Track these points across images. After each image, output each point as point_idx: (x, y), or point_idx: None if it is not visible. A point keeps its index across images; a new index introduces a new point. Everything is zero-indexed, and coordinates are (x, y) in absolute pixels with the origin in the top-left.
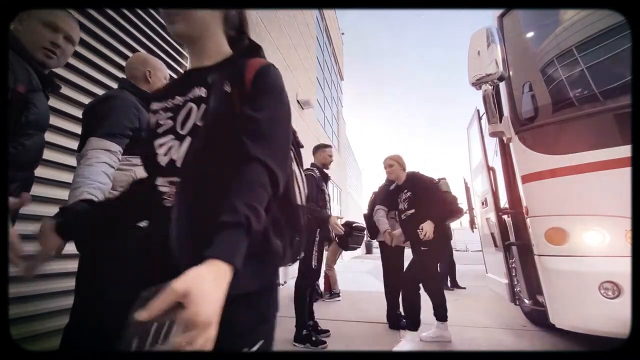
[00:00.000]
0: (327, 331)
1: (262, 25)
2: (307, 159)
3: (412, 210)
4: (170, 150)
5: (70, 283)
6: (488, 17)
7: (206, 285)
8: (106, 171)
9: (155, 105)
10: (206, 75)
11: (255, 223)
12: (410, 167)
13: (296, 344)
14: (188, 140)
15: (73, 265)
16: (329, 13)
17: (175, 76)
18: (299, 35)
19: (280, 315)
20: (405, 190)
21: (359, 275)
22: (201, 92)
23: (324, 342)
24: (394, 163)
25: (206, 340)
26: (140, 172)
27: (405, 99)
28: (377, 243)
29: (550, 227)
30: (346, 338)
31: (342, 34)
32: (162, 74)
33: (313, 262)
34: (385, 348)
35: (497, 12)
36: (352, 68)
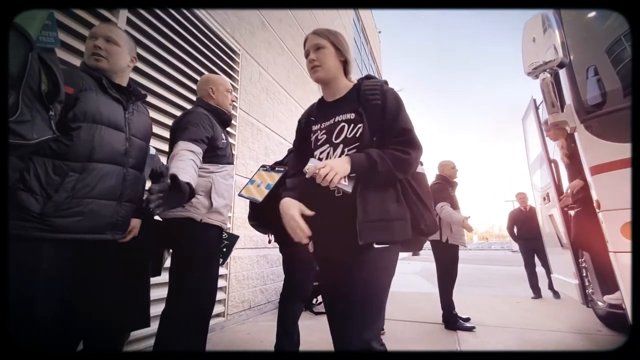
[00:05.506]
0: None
1: (302, 32)
2: None
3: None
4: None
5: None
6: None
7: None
8: (193, 166)
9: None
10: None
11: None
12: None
13: None
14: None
15: None
16: (365, 13)
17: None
18: None
19: None
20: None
21: (408, 276)
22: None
23: None
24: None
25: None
26: (217, 179)
27: (446, 93)
28: (429, 243)
29: (628, 221)
30: (402, 338)
31: (379, 32)
32: (223, 87)
33: None
34: (442, 348)
35: None
36: (387, 63)
